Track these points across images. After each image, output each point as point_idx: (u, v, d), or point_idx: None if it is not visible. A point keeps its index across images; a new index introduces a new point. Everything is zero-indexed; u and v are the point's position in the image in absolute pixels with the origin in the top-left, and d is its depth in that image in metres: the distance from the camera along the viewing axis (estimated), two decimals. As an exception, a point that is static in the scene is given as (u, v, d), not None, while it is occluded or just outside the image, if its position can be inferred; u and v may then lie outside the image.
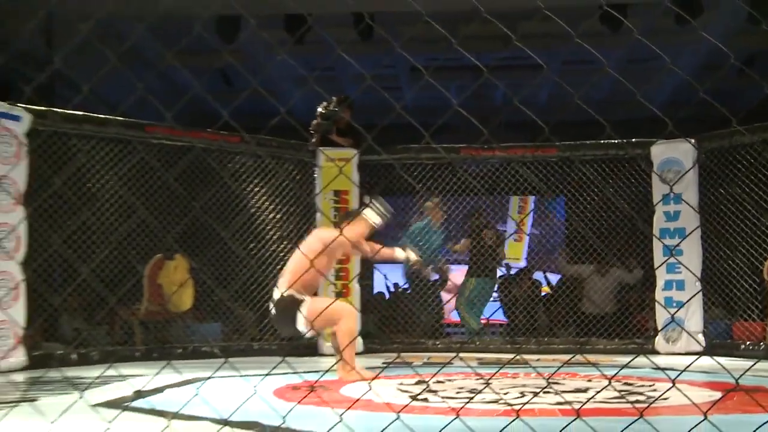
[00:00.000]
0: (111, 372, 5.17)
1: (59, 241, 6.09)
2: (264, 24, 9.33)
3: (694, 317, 6.96)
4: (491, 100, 12.64)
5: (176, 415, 2.95)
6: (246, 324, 7.35)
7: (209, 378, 4.23)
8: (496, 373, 4.73)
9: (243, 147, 7.35)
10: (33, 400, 3.76)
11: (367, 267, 7.55)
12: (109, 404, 3.45)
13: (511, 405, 3.22)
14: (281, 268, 7.47)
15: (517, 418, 2.10)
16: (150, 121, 6.90)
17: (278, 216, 7.56)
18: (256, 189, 7.51)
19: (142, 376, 4.85)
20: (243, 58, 10.28)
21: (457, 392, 3.85)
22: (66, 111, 6.31)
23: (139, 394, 3.79)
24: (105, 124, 6.57)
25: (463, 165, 7.91)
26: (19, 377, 5.17)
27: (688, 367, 2.42)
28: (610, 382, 4.04)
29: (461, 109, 1.87)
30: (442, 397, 3.52)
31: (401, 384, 4.28)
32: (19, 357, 5.67)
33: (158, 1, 8.49)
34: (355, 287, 7.38)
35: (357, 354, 5.33)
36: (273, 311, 4.59)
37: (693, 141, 7.14)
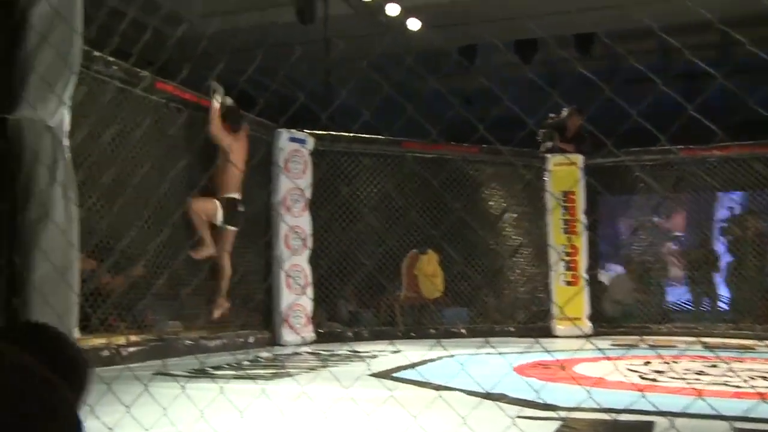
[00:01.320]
0: (381, 347, 5.54)
1: (338, 240, 6.67)
2: (497, 48, 9.41)
3: None
4: (707, 102, 11.57)
5: (440, 387, 3.04)
6: (488, 309, 7.49)
7: (466, 355, 4.34)
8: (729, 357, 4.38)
9: (482, 156, 7.51)
10: (328, 367, 4.13)
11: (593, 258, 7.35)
12: (386, 374, 3.69)
13: (754, 388, 2.98)
14: (518, 261, 7.52)
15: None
16: (406, 138, 7.28)
17: (514, 215, 7.62)
18: (494, 192, 7.64)
19: (405, 351, 5.11)
20: (479, 79, 10.44)
21: (685, 373, 3.65)
22: (339, 133, 6.89)
23: (411, 366, 4.01)
24: (370, 143, 7.07)
25: (684, 164, 7.40)
26: (310, 349, 5.74)
27: None
28: None
29: (690, 112, 1.82)
30: (672, 377, 3.36)
31: (630, 364, 4.13)
32: (310, 333, 6.33)
33: (409, 39, 8.93)
34: (584, 276, 7.20)
35: (586, 336, 5.21)
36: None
37: None
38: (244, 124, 5.60)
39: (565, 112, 7.54)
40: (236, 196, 5.51)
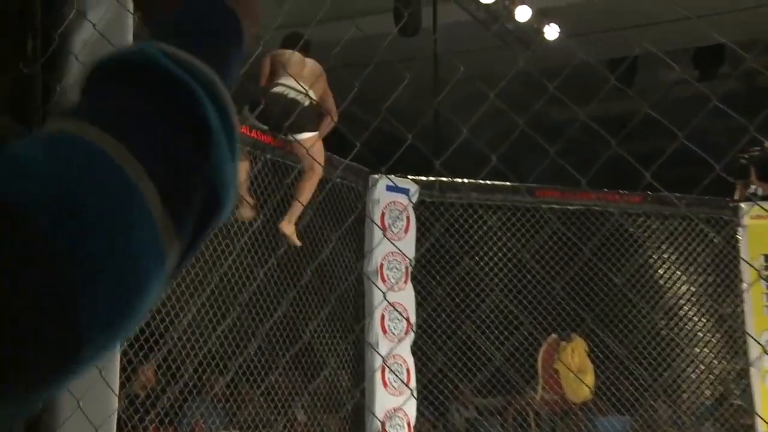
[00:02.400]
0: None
1: (451, 322, 6.61)
2: (665, 60, 9.25)
3: None
4: None
5: None
6: (659, 419, 7.17)
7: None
8: None
9: (647, 207, 7.31)
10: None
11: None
12: None
13: None
14: (701, 353, 7.20)
15: None
16: (542, 184, 7.20)
17: (692, 288, 7.33)
18: (664, 256, 7.39)
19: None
20: (641, 103, 10.31)
21: None
22: (453, 179, 6.89)
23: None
24: (494, 191, 7.04)
25: None
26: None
27: None
28: None
29: None
30: None
31: None
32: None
33: (536, 52, 8.97)
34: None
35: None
36: (304, 100, 5.51)
37: None
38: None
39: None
40: None
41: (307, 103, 5.54)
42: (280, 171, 5.76)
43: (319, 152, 5.49)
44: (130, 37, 2.37)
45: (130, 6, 2.28)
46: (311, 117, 5.56)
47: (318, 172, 5.58)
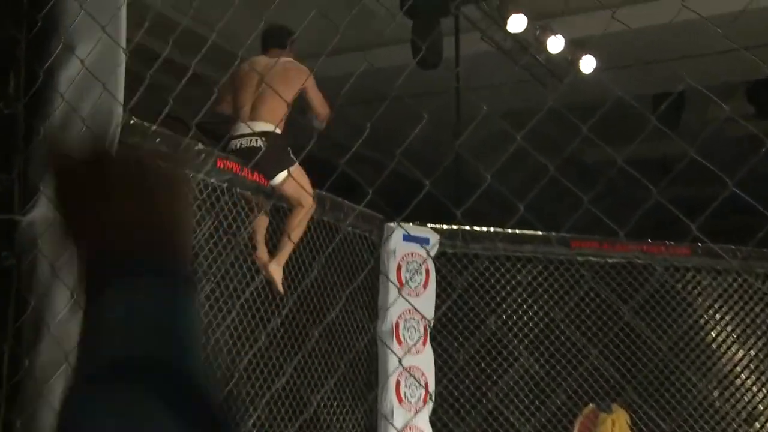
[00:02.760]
0: None
1: (475, 389, 6.59)
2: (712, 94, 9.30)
3: None
4: None
5: None
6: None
7: None
8: None
9: (696, 261, 7.30)
10: None
11: None
12: None
13: None
14: (759, 427, 7.12)
15: None
16: (577, 234, 7.20)
17: (750, 353, 7.28)
18: (717, 316, 7.36)
19: None
20: (688, 143, 10.32)
21: None
22: (477, 229, 6.92)
23: None
24: (523, 242, 7.05)
25: None
26: None
27: None
28: None
29: None
30: None
31: None
32: None
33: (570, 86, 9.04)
34: None
35: None
36: (258, 142, 5.39)
37: None
38: None
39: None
40: None
41: (261, 143, 5.52)
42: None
43: (299, 186, 5.39)
44: (121, 74, 2.42)
45: (123, 40, 2.35)
46: (274, 155, 5.42)
47: (307, 205, 5.57)
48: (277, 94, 5.26)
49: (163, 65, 2.43)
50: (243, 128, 5.48)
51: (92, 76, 2.33)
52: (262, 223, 5.64)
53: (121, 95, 2.48)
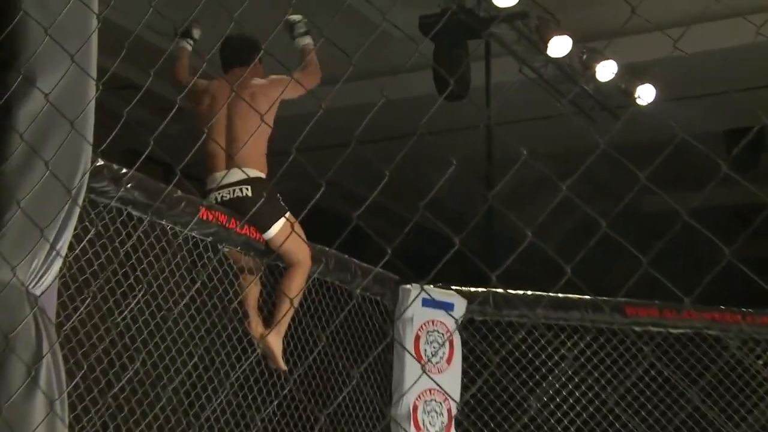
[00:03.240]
0: None
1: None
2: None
3: None
4: None
5: None
6: None
7: None
8: None
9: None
10: None
11: None
12: None
13: None
14: None
15: None
16: (632, 298, 7.18)
17: None
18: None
19: None
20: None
21: None
22: (512, 292, 6.91)
23: None
24: (568, 307, 7.02)
25: None
26: None
27: None
28: None
29: None
30: None
31: None
32: None
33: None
34: None
35: None
36: (244, 191, 5.42)
37: None
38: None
39: None
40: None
41: (247, 192, 5.53)
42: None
43: (295, 237, 5.35)
44: (91, 110, 2.45)
45: (93, 70, 2.38)
46: (265, 203, 5.40)
47: (306, 261, 5.57)
48: (261, 100, 5.45)
49: (136, 94, 2.46)
50: (221, 178, 5.51)
51: (57, 112, 2.36)
52: (253, 288, 5.64)
53: (90, 134, 2.51)
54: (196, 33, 6.08)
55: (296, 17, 5.84)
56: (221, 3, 2.10)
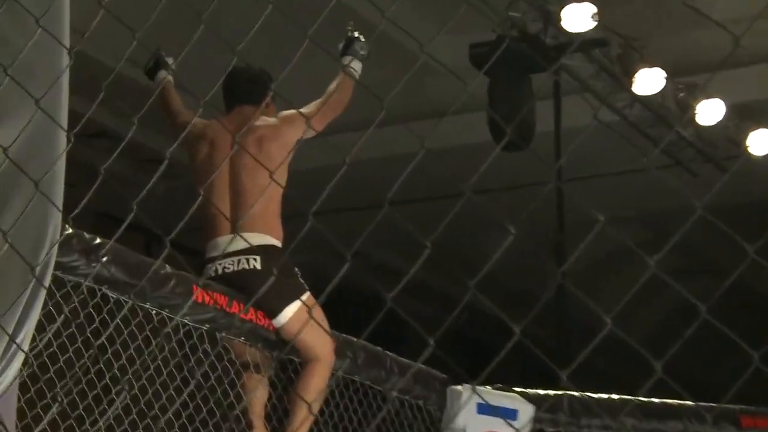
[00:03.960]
0: None
1: None
2: None
3: None
4: None
5: None
6: None
7: None
8: None
9: None
10: None
11: None
12: None
13: None
14: None
15: None
16: (745, 406, 7.14)
17: None
18: None
19: None
20: None
21: None
22: (591, 396, 6.90)
23: None
24: (660, 416, 7.00)
25: None
26: None
27: None
28: None
29: None
30: None
31: None
32: None
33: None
34: None
35: None
36: (251, 263, 5.41)
37: None
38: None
39: None
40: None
41: (255, 263, 5.54)
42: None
43: (315, 326, 5.10)
44: (61, 168, 2.49)
45: (63, 117, 2.41)
46: (278, 280, 5.05)
47: (328, 356, 5.50)
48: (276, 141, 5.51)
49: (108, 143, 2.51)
50: (225, 245, 5.51)
51: (19, 169, 2.40)
52: (261, 389, 5.62)
53: (59, 197, 2.55)
54: (170, 60, 6.03)
55: (360, 36, 5.87)
56: (222, 37, 2.15)
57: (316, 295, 5.51)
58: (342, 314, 5.40)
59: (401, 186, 2.62)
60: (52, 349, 4.52)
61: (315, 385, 5.43)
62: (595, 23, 8.82)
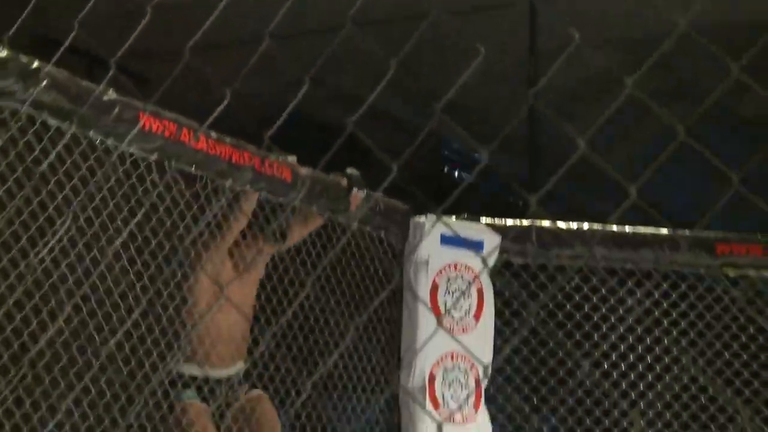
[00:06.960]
0: None
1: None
2: None
3: None
4: None
5: None
6: None
7: None
8: None
9: None
10: None
11: None
12: None
13: None
14: None
15: None
16: (720, 232, 7.18)
17: None
18: None
19: None
20: None
21: None
22: (561, 225, 6.88)
23: None
24: (634, 245, 7.03)
25: None
26: None
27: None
28: None
29: None
30: None
31: None
32: None
33: None
34: None
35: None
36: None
37: None
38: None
39: None
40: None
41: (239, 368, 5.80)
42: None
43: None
44: None
45: None
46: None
47: None
48: None
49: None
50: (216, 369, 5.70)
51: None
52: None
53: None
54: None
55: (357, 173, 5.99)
56: None
57: (264, 123, 5.50)
58: (301, 142, 5.36)
59: (363, 5, 2.55)
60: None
61: None
62: None
